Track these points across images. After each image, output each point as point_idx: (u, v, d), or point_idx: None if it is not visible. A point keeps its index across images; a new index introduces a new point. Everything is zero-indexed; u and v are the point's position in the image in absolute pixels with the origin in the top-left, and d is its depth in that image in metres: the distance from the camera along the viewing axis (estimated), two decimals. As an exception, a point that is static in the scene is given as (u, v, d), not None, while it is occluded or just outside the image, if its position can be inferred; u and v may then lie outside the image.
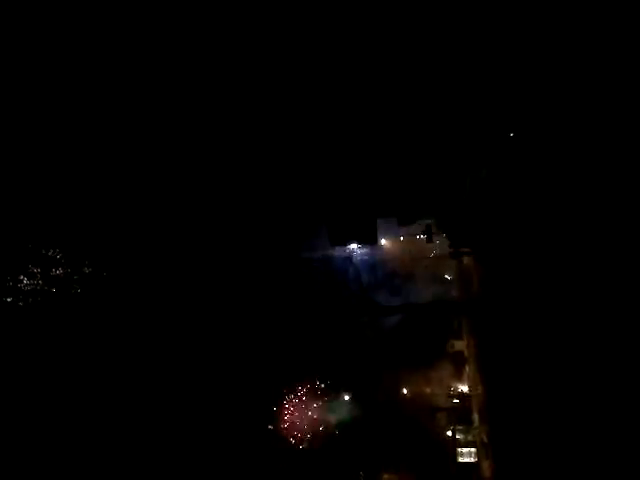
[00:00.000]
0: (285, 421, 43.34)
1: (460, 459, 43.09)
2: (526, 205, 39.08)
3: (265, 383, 43.34)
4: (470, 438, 43.71)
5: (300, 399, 43.90)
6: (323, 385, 44.60)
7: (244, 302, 44.17)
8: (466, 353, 45.96)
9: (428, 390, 45.24)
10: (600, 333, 33.20)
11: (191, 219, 44.53)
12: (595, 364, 33.08)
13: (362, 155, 46.43)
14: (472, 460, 42.97)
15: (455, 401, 44.93)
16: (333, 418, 43.89)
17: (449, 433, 43.89)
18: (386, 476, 43.29)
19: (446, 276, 46.77)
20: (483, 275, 45.12)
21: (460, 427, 44.06)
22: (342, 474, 43.06)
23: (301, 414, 43.72)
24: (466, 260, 46.01)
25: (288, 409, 43.70)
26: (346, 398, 44.66)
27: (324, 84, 44.50)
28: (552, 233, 36.57)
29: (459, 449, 43.37)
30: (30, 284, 42.76)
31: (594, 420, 32.24)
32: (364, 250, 46.53)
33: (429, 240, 46.68)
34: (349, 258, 45.26)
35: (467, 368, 45.69)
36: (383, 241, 47.36)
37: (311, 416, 43.68)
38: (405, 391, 45.18)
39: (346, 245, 45.72)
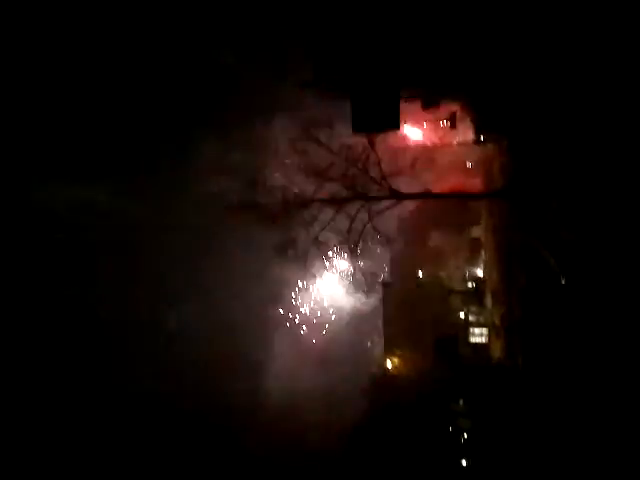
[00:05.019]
0: None
1: (472, 339, 45.42)
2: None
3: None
4: (482, 320, 45.72)
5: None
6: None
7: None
8: (483, 239, 46.68)
9: (444, 274, 46.62)
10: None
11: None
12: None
13: (383, 24, 43.12)
14: (483, 341, 45.28)
15: (469, 285, 46.45)
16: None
17: (462, 315, 45.87)
18: (398, 352, 45.96)
19: (468, 163, 46.06)
20: (508, 163, 44.31)
21: (473, 309, 45.93)
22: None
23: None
24: (490, 147, 44.98)
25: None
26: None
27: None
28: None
29: (471, 329, 45.56)
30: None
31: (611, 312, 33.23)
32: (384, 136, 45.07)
33: (453, 126, 45.42)
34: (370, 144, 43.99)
35: (483, 254, 46.64)
36: (405, 127, 46.12)
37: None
38: (421, 274, 46.57)
39: (369, 132, 44.15)
